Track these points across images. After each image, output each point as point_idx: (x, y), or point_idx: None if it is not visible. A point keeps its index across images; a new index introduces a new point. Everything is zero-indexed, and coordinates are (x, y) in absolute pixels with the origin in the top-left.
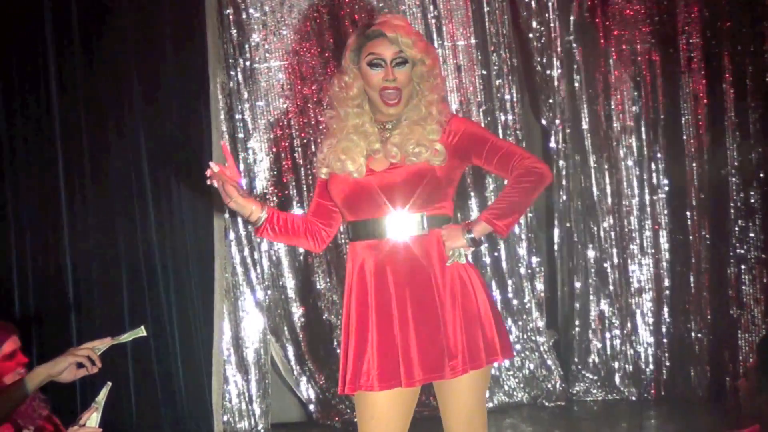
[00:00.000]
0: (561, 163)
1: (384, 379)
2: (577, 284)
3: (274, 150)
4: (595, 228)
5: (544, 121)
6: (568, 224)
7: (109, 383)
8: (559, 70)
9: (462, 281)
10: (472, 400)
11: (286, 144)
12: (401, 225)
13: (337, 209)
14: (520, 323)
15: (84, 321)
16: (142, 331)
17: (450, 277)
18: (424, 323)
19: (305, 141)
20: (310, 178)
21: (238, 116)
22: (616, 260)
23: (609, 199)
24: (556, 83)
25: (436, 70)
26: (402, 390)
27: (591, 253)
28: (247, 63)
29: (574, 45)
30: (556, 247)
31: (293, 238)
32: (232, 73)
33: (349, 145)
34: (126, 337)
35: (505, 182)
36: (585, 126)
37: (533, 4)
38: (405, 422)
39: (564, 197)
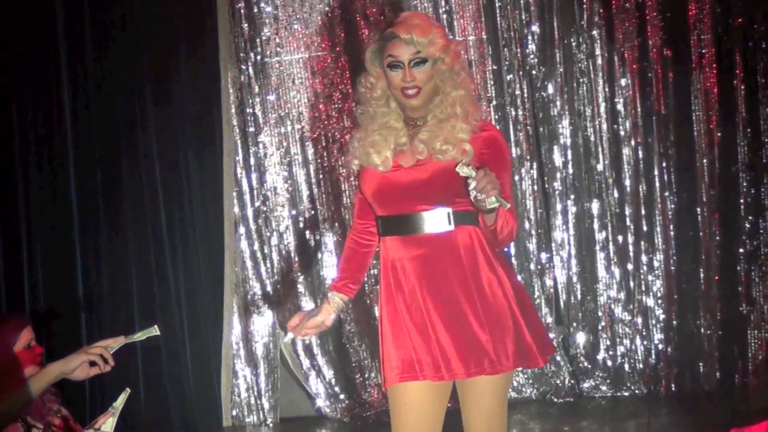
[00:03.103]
0: (569, 166)
1: (423, 371)
2: (587, 280)
3: (284, 144)
4: (605, 224)
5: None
6: (577, 221)
7: (128, 390)
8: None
9: (491, 279)
10: (493, 402)
11: (297, 138)
12: (428, 221)
13: None
14: None
15: (94, 318)
16: (155, 330)
17: (479, 274)
18: (455, 320)
19: (316, 135)
20: (320, 173)
21: (249, 110)
22: (625, 256)
23: (619, 196)
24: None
25: (457, 66)
26: (436, 385)
27: (600, 251)
28: (259, 57)
29: (586, 39)
30: (565, 243)
31: (366, 265)
32: (243, 67)
33: (377, 139)
34: (139, 336)
35: None
36: (596, 121)
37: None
38: (439, 418)
39: (574, 194)
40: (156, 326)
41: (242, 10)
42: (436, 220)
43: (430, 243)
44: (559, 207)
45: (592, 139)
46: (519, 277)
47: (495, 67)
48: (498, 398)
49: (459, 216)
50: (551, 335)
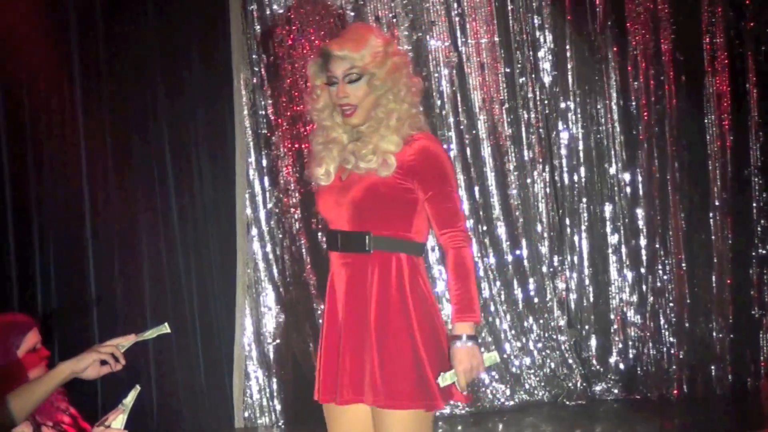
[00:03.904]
0: (582, 169)
1: (326, 393)
2: (599, 283)
3: (296, 146)
4: (618, 227)
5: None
6: (590, 224)
7: (138, 387)
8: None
9: (399, 313)
10: None
11: (310, 139)
12: (350, 241)
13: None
14: (541, 322)
15: (106, 316)
16: (166, 328)
17: (389, 306)
18: (356, 345)
19: None
20: None
21: (261, 112)
22: (638, 259)
23: (631, 199)
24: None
25: (389, 83)
26: (353, 408)
27: (613, 254)
28: (271, 59)
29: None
30: (577, 246)
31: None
32: (256, 69)
33: (321, 153)
34: (150, 334)
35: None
36: (609, 124)
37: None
38: None
39: (586, 197)
40: (167, 324)
41: (255, 12)
42: (356, 242)
43: (355, 264)
44: (571, 210)
45: (605, 142)
46: (531, 280)
47: (507, 70)
48: None
49: (379, 241)
50: (563, 338)
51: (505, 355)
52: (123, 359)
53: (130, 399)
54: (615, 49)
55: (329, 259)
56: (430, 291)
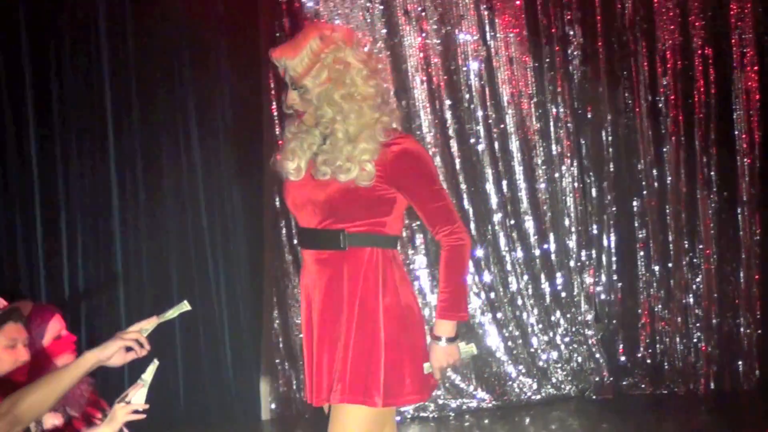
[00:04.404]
0: (610, 164)
1: (308, 392)
2: (627, 278)
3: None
4: (646, 222)
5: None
6: (618, 218)
7: (156, 361)
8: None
9: (369, 311)
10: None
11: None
12: (324, 238)
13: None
14: (568, 316)
15: (133, 304)
16: (186, 306)
17: (359, 303)
18: (327, 344)
19: None
20: None
21: None
22: (666, 254)
23: (659, 194)
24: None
25: (323, 96)
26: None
27: (640, 249)
28: None
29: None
30: (605, 241)
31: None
32: None
33: (293, 146)
34: (171, 314)
35: None
36: (637, 119)
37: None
38: None
39: (614, 193)
40: (186, 302)
41: (283, 5)
42: (330, 239)
43: (329, 261)
44: (599, 205)
45: (633, 137)
46: (559, 274)
47: (536, 64)
48: (348, 430)
49: (354, 237)
50: (590, 332)
51: (532, 349)
52: (147, 344)
53: (149, 373)
54: (644, 44)
55: (301, 256)
56: (405, 282)
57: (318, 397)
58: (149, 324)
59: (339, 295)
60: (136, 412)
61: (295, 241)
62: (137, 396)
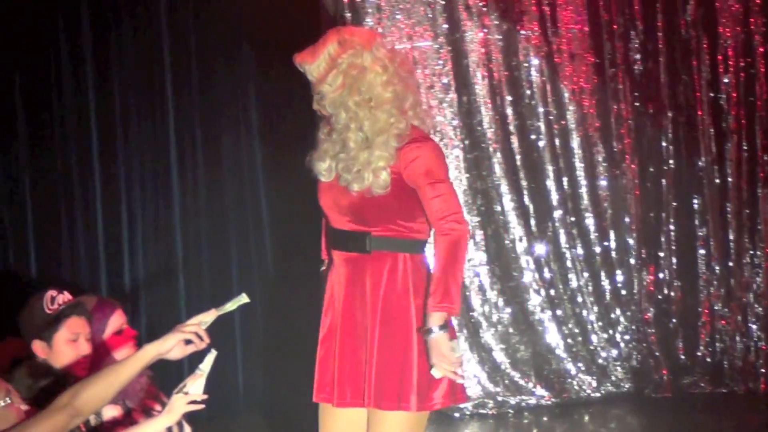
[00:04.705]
0: (671, 162)
1: (320, 392)
2: (687, 276)
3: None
4: (706, 220)
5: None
6: (678, 216)
7: (215, 351)
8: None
9: (396, 315)
10: None
11: None
12: (351, 241)
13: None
14: (628, 314)
15: (193, 291)
16: (244, 298)
17: (381, 307)
18: (354, 346)
19: None
20: None
21: None
22: (726, 253)
23: (720, 192)
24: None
25: (338, 102)
26: (348, 411)
27: (701, 247)
28: None
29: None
30: (665, 239)
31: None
32: None
33: (327, 147)
34: (230, 306)
35: None
36: (699, 116)
37: None
38: None
39: (674, 190)
40: (245, 294)
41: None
42: (357, 242)
43: (356, 263)
44: (660, 202)
45: (694, 134)
46: (619, 271)
47: (597, 61)
48: None
49: (380, 241)
50: (650, 330)
51: (591, 347)
52: (207, 337)
53: (206, 363)
54: (705, 41)
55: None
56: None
57: (341, 400)
58: (208, 317)
59: (362, 298)
60: (194, 402)
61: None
62: (195, 386)
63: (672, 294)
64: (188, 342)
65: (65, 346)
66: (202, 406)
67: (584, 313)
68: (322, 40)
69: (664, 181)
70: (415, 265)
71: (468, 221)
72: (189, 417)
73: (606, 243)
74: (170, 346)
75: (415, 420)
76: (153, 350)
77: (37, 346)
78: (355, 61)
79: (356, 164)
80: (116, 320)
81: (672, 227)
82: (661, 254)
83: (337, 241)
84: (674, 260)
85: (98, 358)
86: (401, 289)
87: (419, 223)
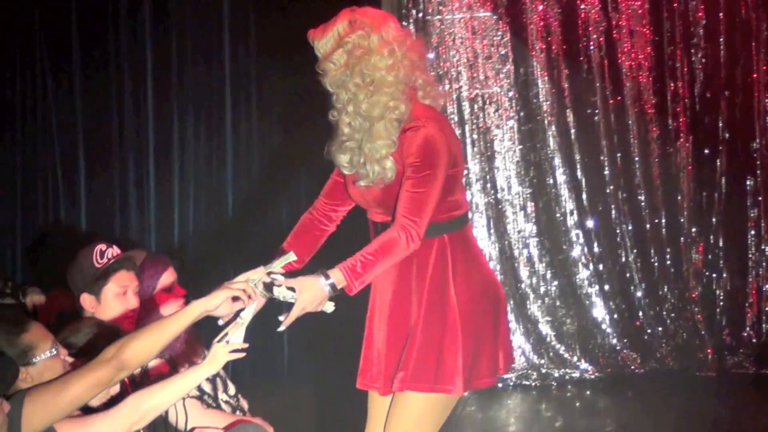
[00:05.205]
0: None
1: (364, 378)
2: (736, 256)
3: (442, 100)
4: (758, 202)
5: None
6: (728, 196)
7: (256, 302)
8: None
9: (439, 299)
10: (403, 420)
11: (454, 98)
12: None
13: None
14: (676, 291)
15: (240, 248)
16: (292, 256)
17: (427, 292)
18: (399, 335)
19: (473, 96)
20: (474, 132)
21: None
22: None
23: None
24: None
25: (341, 86)
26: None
27: (752, 230)
28: (420, 15)
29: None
30: (716, 219)
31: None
32: (405, 23)
33: (344, 137)
34: (278, 264)
35: None
36: (753, 96)
37: None
38: None
39: (728, 169)
40: (292, 252)
41: None
42: None
43: None
44: (712, 182)
45: (750, 115)
46: (668, 249)
47: (656, 38)
48: (413, 418)
49: None
50: (696, 309)
51: (637, 323)
52: (255, 295)
53: (248, 312)
54: (765, 23)
55: None
56: (475, 260)
57: (386, 388)
58: (256, 274)
59: (408, 288)
60: (235, 351)
61: None
62: (236, 335)
63: (720, 274)
64: (235, 299)
65: (113, 299)
66: (244, 354)
67: (632, 288)
68: (335, 18)
69: (717, 161)
70: (453, 244)
71: (419, 237)
72: (233, 378)
73: (657, 220)
74: (217, 303)
75: (442, 401)
76: (200, 306)
77: (86, 300)
78: (362, 42)
79: (363, 157)
80: (167, 277)
81: (723, 207)
82: (711, 234)
83: (378, 233)
84: (723, 240)
85: (146, 314)
86: (441, 272)
87: (452, 199)
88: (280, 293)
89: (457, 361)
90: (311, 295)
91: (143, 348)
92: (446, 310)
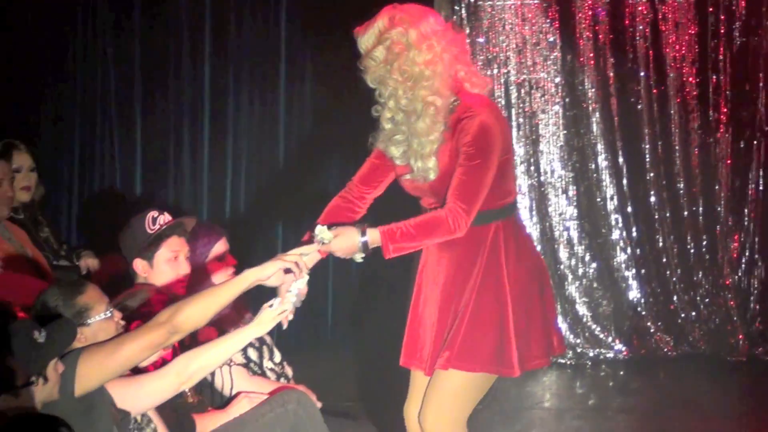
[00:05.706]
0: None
1: (407, 357)
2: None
3: (488, 87)
4: None
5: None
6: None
7: (307, 276)
8: None
9: (492, 283)
10: (443, 396)
11: (502, 82)
12: None
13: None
14: (710, 278)
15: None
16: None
17: (481, 276)
18: (445, 318)
19: (520, 81)
20: (520, 116)
21: None
22: None
23: None
24: None
25: (381, 82)
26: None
27: None
28: (472, 0)
29: None
30: (752, 208)
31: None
32: (457, 7)
33: (394, 129)
34: (328, 237)
35: None
36: None
37: None
38: None
39: (764, 164)
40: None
41: None
42: None
43: (451, 241)
44: (750, 174)
45: None
46: (705, 237)
47: (700, 30)
48: (454, 393)
49: None
50: (730, 295)
51: (672, 307)
52: (306, 268)
53: (298, 284)
54: None
55: None
56: (525, 244)
57: (431, 369)
58: (309, 249)
59: (462, 275)
60: (282, 313)
61: None
62: (285, 303)
63: (754, 263)
64: (287, 271)
65: (165, 264)
66: (291, 317)
67: (668, 273)
68: (376, 15)
69: (755, 153)
70: (506, 230)
71: (466, 225)
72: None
73: (694, 208)
74: (270, 273)
75: (484, 380)
76: (253, 275)
77: (138, 265)
78: (400, 38)
79: (411, 153)
80: (220, 246)
81: (761, 196)
82: (747, 224)
83: None
84: (759, 231)
85: (197, 281)
86: (495, 258)
87: (504, 187)
88: (321, 232)
89: (511, 343)
90: (344, 242)
91: (196, 313)
92: (499, 294)
